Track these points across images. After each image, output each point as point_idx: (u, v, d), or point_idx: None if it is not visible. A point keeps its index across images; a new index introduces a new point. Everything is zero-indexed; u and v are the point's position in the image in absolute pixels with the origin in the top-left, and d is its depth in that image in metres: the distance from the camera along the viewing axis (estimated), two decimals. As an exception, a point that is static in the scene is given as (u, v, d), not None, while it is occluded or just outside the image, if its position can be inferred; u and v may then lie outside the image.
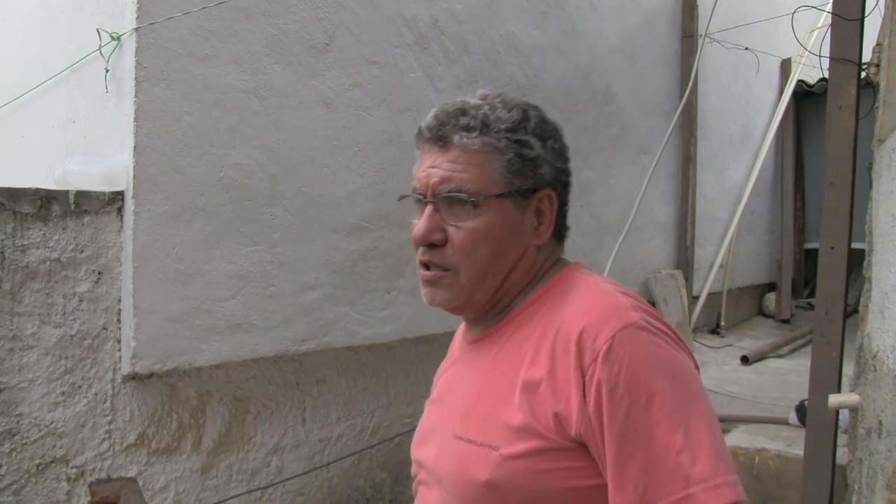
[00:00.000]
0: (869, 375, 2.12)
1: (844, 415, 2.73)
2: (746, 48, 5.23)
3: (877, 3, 2.66)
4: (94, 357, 2.26)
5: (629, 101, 4.61)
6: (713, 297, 5.67)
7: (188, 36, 2.35)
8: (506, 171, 1.03)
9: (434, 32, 3.18)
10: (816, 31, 4.79)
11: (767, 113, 6.36)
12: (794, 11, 3.10)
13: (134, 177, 2.25)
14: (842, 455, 2.63)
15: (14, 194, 2.11)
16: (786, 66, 6.40)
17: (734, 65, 5.65)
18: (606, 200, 4.38)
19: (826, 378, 2.44)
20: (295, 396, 2.82)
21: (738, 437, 3.18)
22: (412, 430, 1.22)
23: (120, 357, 2.30)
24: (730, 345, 5.37)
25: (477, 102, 1.06)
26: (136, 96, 2.24)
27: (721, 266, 5.73)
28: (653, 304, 4.73)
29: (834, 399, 2.34)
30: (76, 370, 2.23)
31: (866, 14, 2.46)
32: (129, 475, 2.30)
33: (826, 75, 2.73)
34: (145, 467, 2.38)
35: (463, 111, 1.05)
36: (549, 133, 1.08)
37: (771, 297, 6.58)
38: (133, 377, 2.31)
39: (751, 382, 4.29)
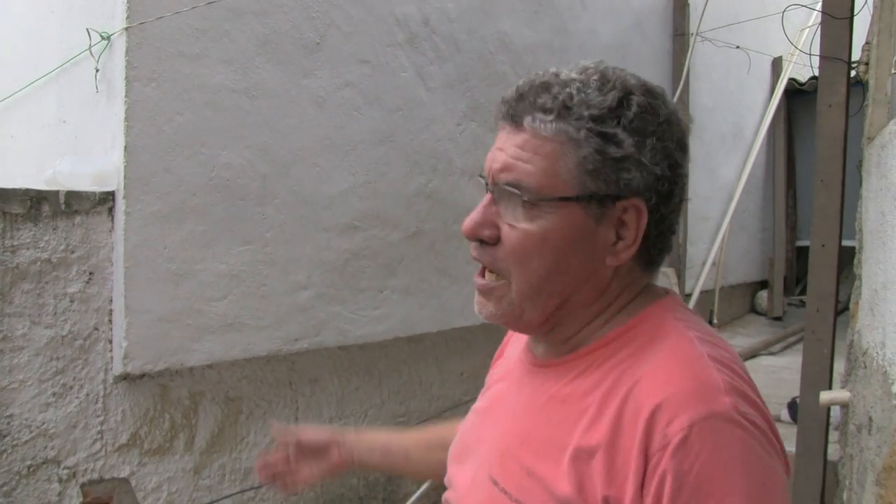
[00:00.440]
0: (859, 372, 2.13)
1: (836, 411, 2.74)
2: (738, 47, 5.24)
3: (866, 2, 2.67)
4: (85, 357, 2.25)
5: (621, 99, 4.60)
6: (705, 294, 5.69)
7: (179, 35, 2.34)
8: (579, 170, 0.83)
9: (425, 31, 3.17)
10: (807, 30, 4.82)
11: (759, 111, 6.39)
12: (785, 10, 3.11)
13: (125, 177, 2.24)
14: (833, 451, 2.65)
15: (4, 195, 2.10)
16: (777, 65, 6.42)
17: (725, 63, 5.67)
18: (599, 199, 4.38)
19: (817, 375, 2.46)
20: (287, 396, 2.81)
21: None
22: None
23: (111, 357, 2.29)
24: (722, 342, 5.39)
25: (568, 77, 0.85)
26: (126, 96, 2.22)
27: (713, 264, 5.75)
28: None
29: (825, 396, 2.35)
30: (67, 371, 2.22)
31: (856, 13, 2.48)
32: (122, 476, 2.30)
33: (816, 73, 2.75)
34: (137, 468, 2.37)
35: (546, 86, 0.85)
36: (654, 128, 0.85)
37: (763, 295, 6.60)
38: (125, 377, 2.30)
39: (743, 380, 4.30)
